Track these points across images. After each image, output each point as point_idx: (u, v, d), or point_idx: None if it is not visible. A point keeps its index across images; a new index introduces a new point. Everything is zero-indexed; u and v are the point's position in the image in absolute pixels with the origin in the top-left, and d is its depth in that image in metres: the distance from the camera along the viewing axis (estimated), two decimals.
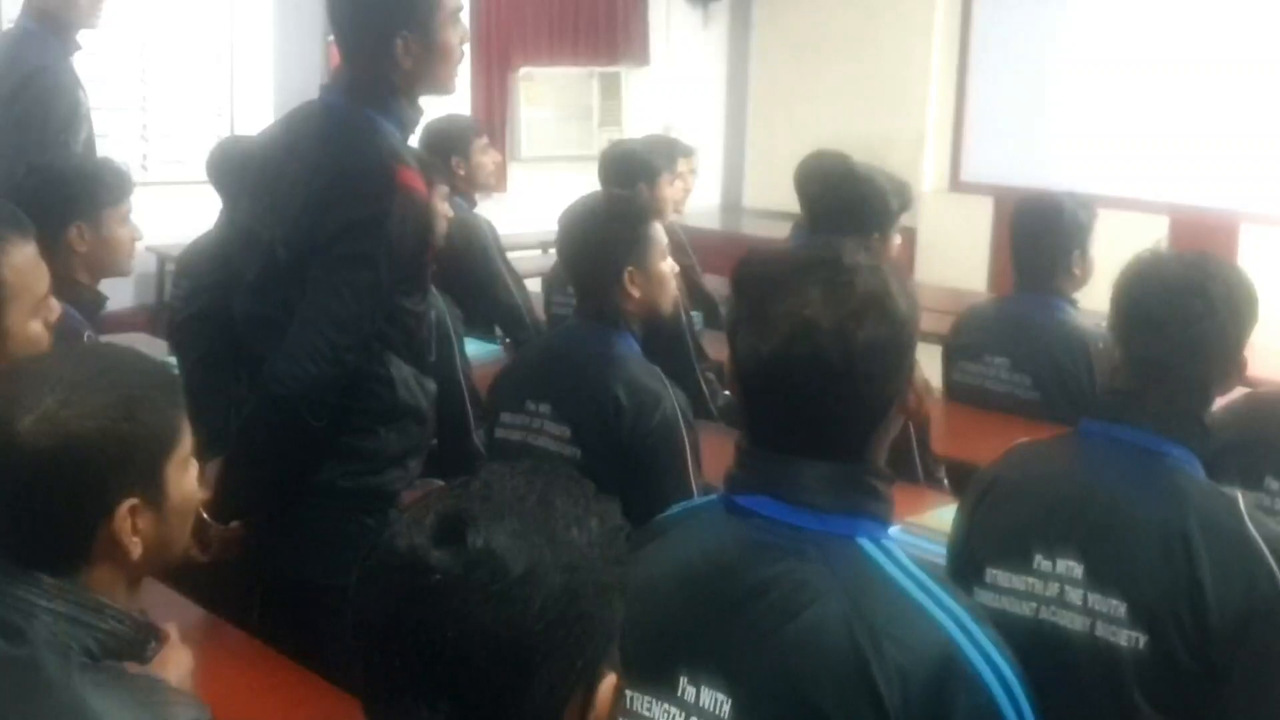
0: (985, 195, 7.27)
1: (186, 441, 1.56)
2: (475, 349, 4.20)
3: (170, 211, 5.17)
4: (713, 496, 1.57)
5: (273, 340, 2.36)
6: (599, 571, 1.13)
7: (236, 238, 2.54)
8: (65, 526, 1.46)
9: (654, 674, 1.48)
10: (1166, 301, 1.95)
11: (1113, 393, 2.02)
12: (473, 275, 4.63)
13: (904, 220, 7.23)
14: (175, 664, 1.89)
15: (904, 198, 3.33)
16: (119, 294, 4.39)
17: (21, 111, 3.95)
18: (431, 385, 2.56)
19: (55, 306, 2.03)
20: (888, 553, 1.46)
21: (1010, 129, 7.27)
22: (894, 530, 2.71)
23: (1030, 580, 1.93)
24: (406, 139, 2.48)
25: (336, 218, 2.32)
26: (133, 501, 1.48)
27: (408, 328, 2.47)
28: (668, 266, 2.83)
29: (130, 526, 1.48)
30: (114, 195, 3.06)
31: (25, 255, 1.89)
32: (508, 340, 4.59)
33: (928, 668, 1.35)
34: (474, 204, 4.91)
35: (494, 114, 7.18)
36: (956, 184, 7.62)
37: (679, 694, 1.46)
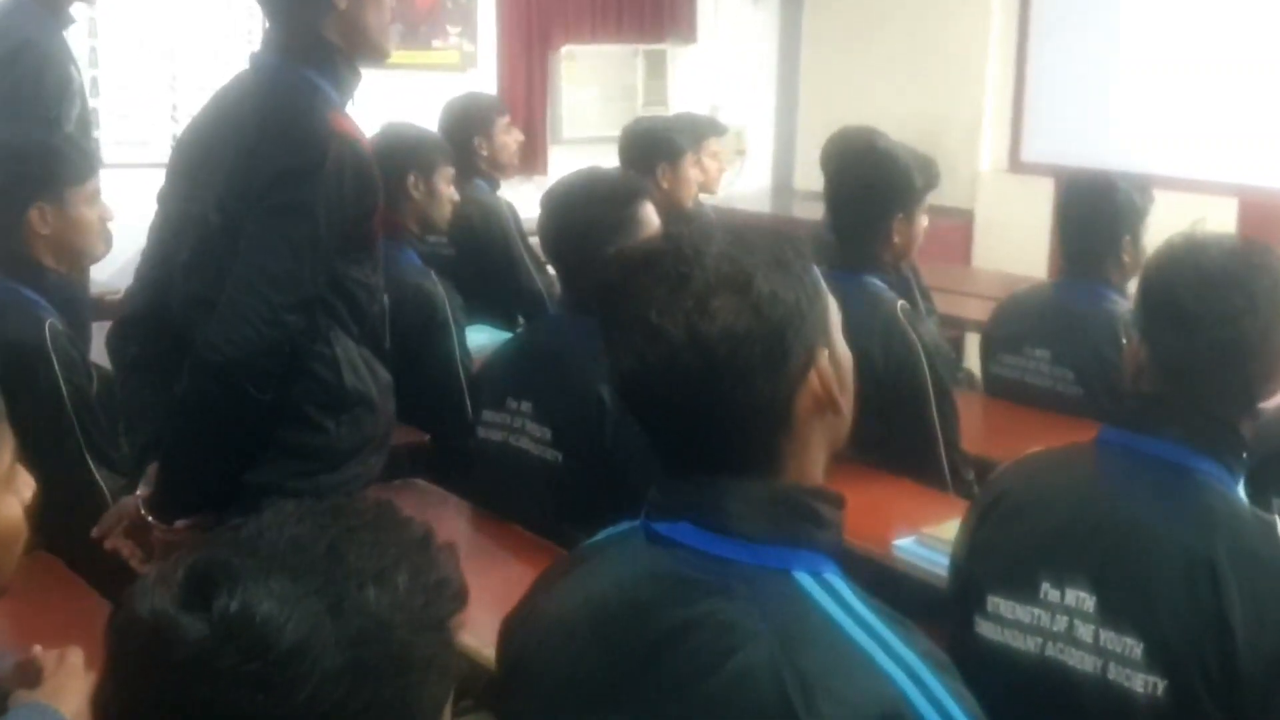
0: (1046, 176, 6.93)
1: (3, 461, 1.33)
2: (490, 337, 4.00)
3: None
4: (636, 522, 1.34)
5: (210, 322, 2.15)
6: (403, 644, 0.89)
7: (170, 224, 2.33)
8: None
9: None
10: (1200, 295, 1.68)
11: (1135, 397, 1.75)
12: (492, 259, 4.45)
13: (961, 203, 7.06)
14: (73, 692, 1.69)
15: (929, 174, 3.06)
16: (127, 278, 4.23)
17: (10, 85, 3.79)
18: (384, 373, 2.34)
19: None
20: (830, 590, 1.21)
21: (1073, 106, 6.91)
22: (907, 543, 2.51)
23: (1036, 612, 1.67)
24: (345, 103, 2.26)
25: (268, 167, 2.11)
26: None
27: (356, 300, 2.25)
28: None
29: None
30: (78, 173, 2.88)
31: None
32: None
33: None
34: (497, 186, 4.72)
35: (534, 95, 6.96)
36: (1016, 165, 7.27)
37: None
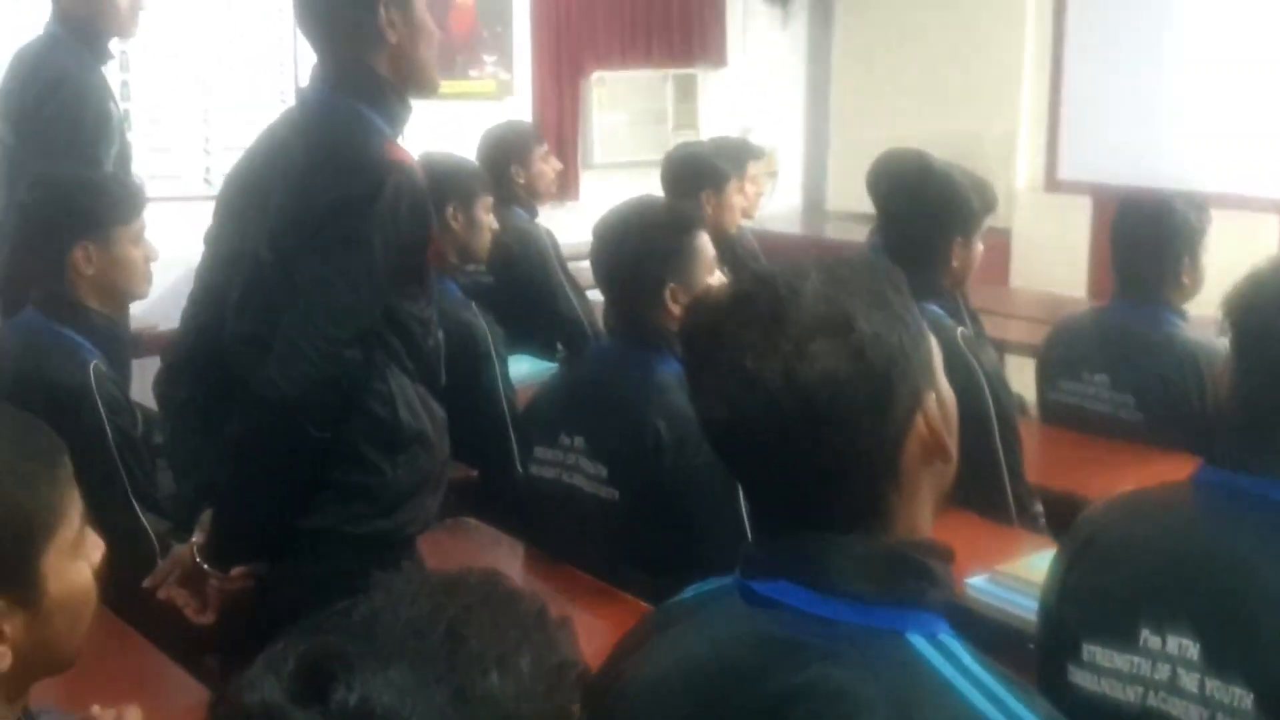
0: (1084, 194, 6.85)
1: (72, 525, 1.27)
2: (531, 367, 3.94)
3: None
4: (727, 580, 1.27)
5: (264, 361, 2.10)
6: None
7: (219, 264, 2.28)
8: None
9: None
10: None
11: (1233, 433, 1.67)
12: (532, 287, 4.41)
13: (997, 222, 6.98)
14: None
15: (987, 197, 3.00)
16: (169, 313, 4.18)
17: (47, 121, 3.74)
18: (439, 409, 2.28)
19: None
20: (946, 651, 1.14)
21: (1110, 122, 6.82)
22: (980, 581, 2.43)
23: (1136, 660, 1.59)
24: (397, 136, 2.21)
25: (322, 199, 2.05)
26: None
27: (411, 335, 2.19)
28: (715, 281, 2.53)
29: None
30: (124, 212, 2.82)
31: None
32: (568, 356, 4.32)
33: None
34: (535, 214, 4.67)
35: (565, 121, 6.94)
36: (1053, 183, 7.19)
37: None
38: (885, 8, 7.57)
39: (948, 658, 1.14)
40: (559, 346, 4.40)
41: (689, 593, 1.33)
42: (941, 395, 1.22)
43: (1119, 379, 3.30)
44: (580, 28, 6.93)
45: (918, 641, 1.14)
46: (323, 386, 2.06)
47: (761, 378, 1.14)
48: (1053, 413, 3.47)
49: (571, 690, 0.86)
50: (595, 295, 4.47)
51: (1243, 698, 1.50)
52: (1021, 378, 3.95)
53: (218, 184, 6.83)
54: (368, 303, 2.09)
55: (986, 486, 2.83)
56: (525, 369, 3.86)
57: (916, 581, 1.17)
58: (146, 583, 2.21)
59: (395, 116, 2.20)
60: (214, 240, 2.30)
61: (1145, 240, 3.29)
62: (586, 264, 4.58)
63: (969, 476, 2.85)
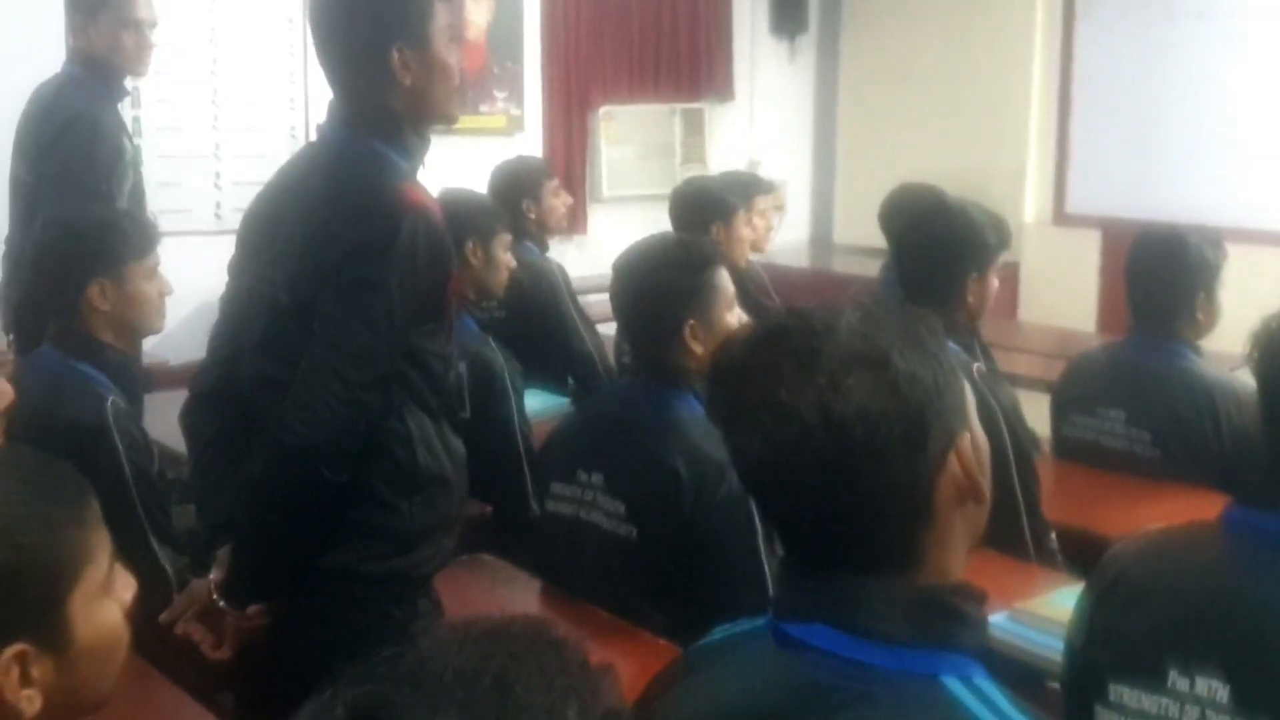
0: (1092, 228, 6.85)
1: (101, 566, 1.27)
2: (543, 402, 3.94)
3: None
4: (759, 621, 1.26)
5: (282, 403, 2.09)
6: None
7: (239, 302, 2.28)
8: None
9: None
10: None
11: (1262, 472, 1.67)
12: (543, 322, 4.41)
13: (1005, 256, 6.99)
14: None
15: (1003, 233, 3.00)
16: (180, 348, 4.18)
17: (63, 158, 3.78)
18: (459, 446, 2.27)
19: (5, 390, 1.76)
20: (980, 695, 1.13)
21: (1118, 156, 6.84)
22: (1000, 619, 2.41)
23: (1164, 701, 1.58)
24: (415, 172, 2.21)
25: (340, 243, 2.05)
26: (19, 648, 1.19)
27: (432, 371, 2.18)
28: (734, 318, 2.52)
29: (18, 678, 1.20)
30: (138, 248, 2.83)
31: None
32: (580, 390, 4.32)
33: None
34: (545, 248, 4.68)
35: (574, 154, 6.96)
36: (1061, 217, 7.19)
37: None
38: (892, 41, 7.61)
39: (983, 701, 1.13)
40: (569, 381, 4.40)
41: (718, 634, 1.32)
42: (975, 437, 1.22)
43: (1135, 415, 3.29)
44: (589, 62, 6.96)
45: (952, 684, 1.14)
46: (341, 431, 2.05)
47: (796, 410, 1.13)
48: (1068, 448, 3.45)
49: None
50: (606, 330, 4.49)
51: None
52: (1030, 412, 3.94)
53: (228, 219, 6.88)
54: (386, 346, 2.09)
55: (1003, 523, 2.80)
56: (538, 404, 3.86)
57: (949, 624, 1.17)
58: (163, 618, 2.21)
59: (412, 151, 2.20)
60: (234, 271, 2.30)
61: (1160, 275, 3.29)
62: (596, 298, 4.64)
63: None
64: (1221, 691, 1.54)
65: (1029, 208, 7.24)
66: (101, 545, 1.27)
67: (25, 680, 1.20)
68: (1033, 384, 4.41)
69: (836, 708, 1.13)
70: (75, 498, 1.26)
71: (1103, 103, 6.91)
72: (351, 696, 0.80)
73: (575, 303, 4.55)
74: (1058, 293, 6.85)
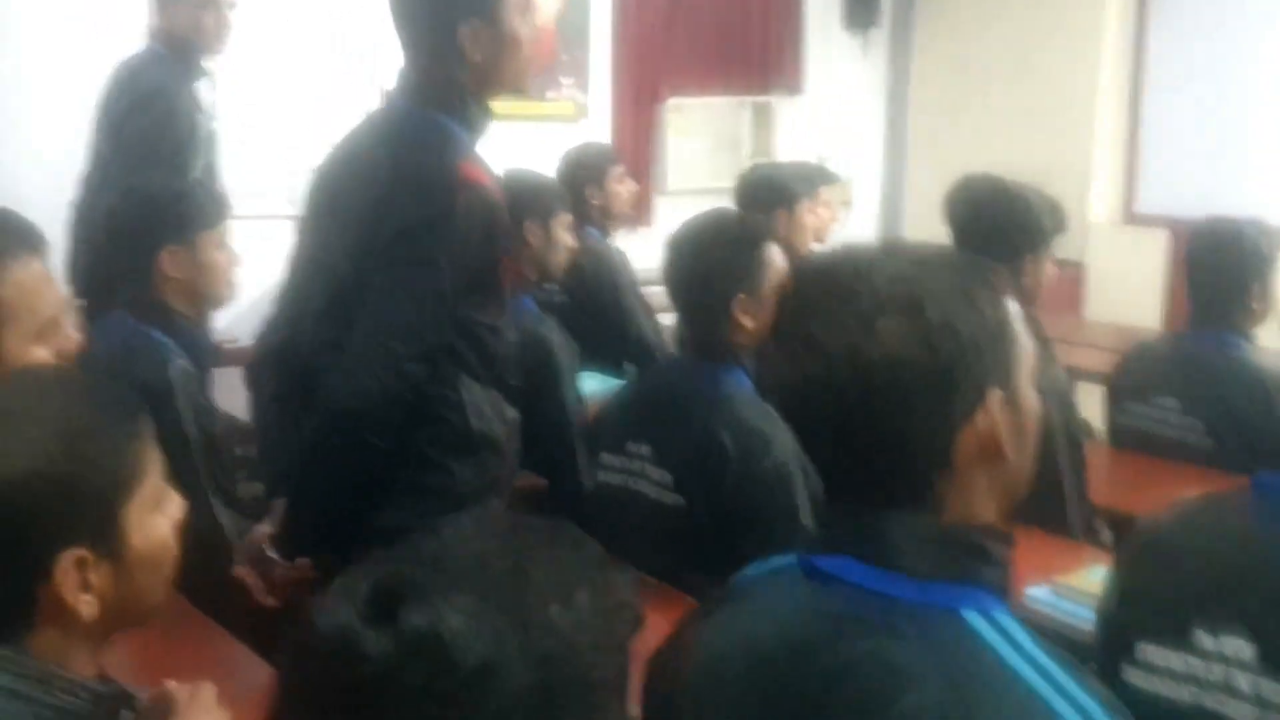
0: (1161, 227, 6.80)
1: (153, 480, 1.34)
2: (599, 384, 3.99)
3: None
4: (790, 557, 1.30)
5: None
6: (587, 664, 0.87)
7: (303, 264, 2.36)
8: None
9: None
10: None
11: None
12: (603, 307, 4.45)
13: (1072, 254, 6.95)
14: None
15: (1058, 218, 3.02)
16: (252, 328, 4.30)
17: (138, 132, 3.90)
18: (512, 412, 2.34)
19: (72, 335, 1.85)
20: (1002, 630, 1.17)
21: (1190, 156, 6.78)
22: (1041, 592, 2.44)
23: (1190, 659, 1.60)
24: (475, 143, 2.27)
25: (394, 220, 2.13)
26: (79, 554, 1.27)
27: (483, 343, 2.25)
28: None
29: (78, 583, 1.27)
30: (208, 217, 2.92)
31: (30, 272, 1.72)
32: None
33: None
34: (609, 234, 4.73)
35: (640, 146, 7.00)
36: (1130, 216, 7.15)
37: None
38: (965, 37, 7.59)
39: (1003, 635, 1.16)
40: (626, 366, 4.45)
41: (752, 570, 1.37)
42: (1018, 399, 1.23)
43: (1188, 404, 3.30)
44: (658, 54, 6.99)
45: (973, 619, 1.17)
46: (385, 400, 2.13)
47: (825, 347, 1.17)
48: (1122, 436, 3.47)
49: (628, 629, 0.91)
50: (666, 319, 4.55)
51: None
52: (1090, 404, 3.95)
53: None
54: (432, 320, 2.16)
55: (1049, 505, 2.83)
56: (595, 386, 3.91)
57: (972, 561, 1.20)
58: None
59: (475, 123, 2.26)
60: (302, 232, 2.38)
61: (1215, 266, 3.30)
62: (659, 288, 4.67)
63: (1033, 494, 2.87)
64: (1246, 650, 1.56)
65: (1097, 207, 7.19)
66: (154, 461, 1.34)
67: (84, 585, 1.27)
68: (1094, 377, 4.41)
69: (860, 637, 1.16)
70: (130, 414, 1.34)
71: (1174, 101, 6.85)
72: (376, 575, 0.86)
73: (636, 289, 4.59)
74: (1124, 292, 6.80)
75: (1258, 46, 6.51)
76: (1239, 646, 1.56)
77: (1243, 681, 1.55)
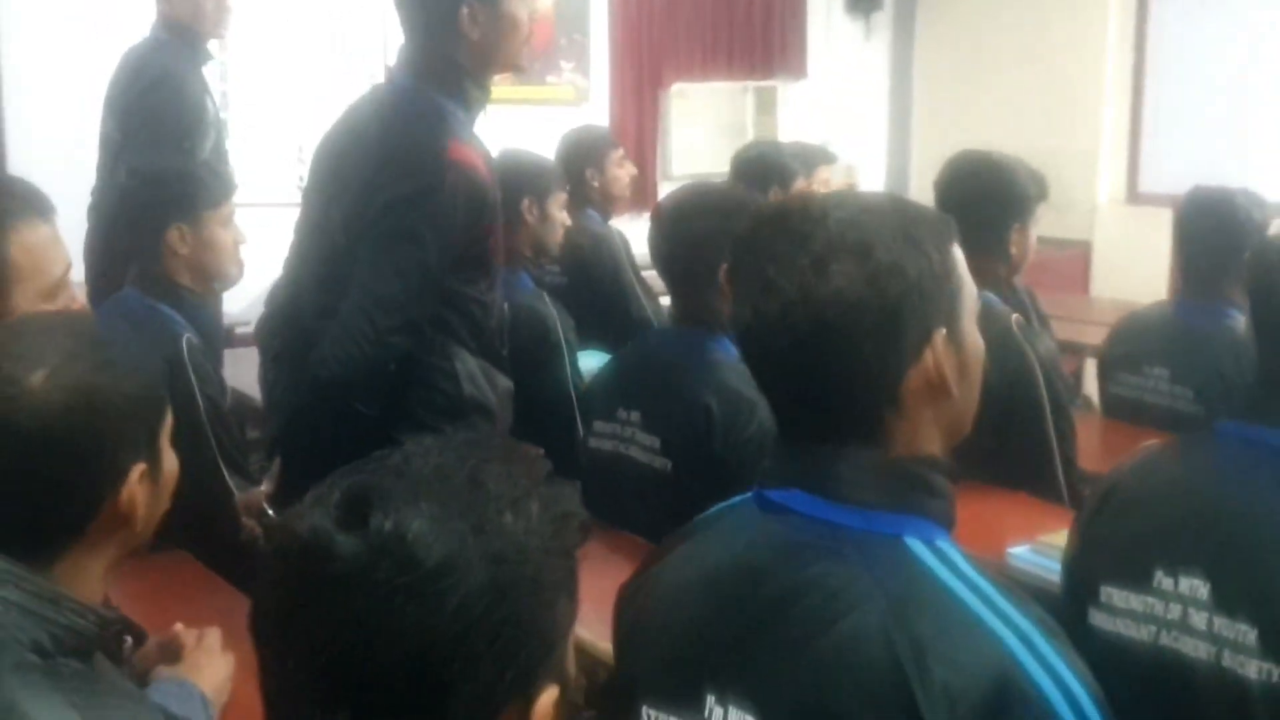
0: (1165, 207, 6.81)
1: (170, 414, 1.44)
2: (599, 360, 4.04)
3: None
4: (748, 494, 1.37)
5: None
6: (537, 565, 0.95)
7: (306, 231, 2.44)
8: (73, 495, 1.35)
9: (679, 693, 1.29)
10: None
11: (1253, 388, 1.74)
12: (603, 288, 4.49)
13: (1079, 234, 6.97)
14: (211, 670, 1.78)
15: (1041, 186, 3.06)
16: (257, 312, 4.38)
17: (147, 116, 3.99)
18: (505, 381, 2.41)
19: (74, 296, 1.94)
20: (941, 555, 1.23)
21: (1192, 136, 6.82)
22: (1022, 550, 2.49)
23: (1149, 600, 1.66)
24: (472, 122, 2.35)
25: (383, 195, 2.21)
26: (143, 468, 1.37)
27: (472, 316, 2.33)
28: None
29: (139, 495, 1.37)
30: (213, 196, 3.00)
31: (39, 235, 1.80)
32: None
33: (981, 690, 1.12)
34: (608, 217, 4.77)
35: (644, 132, 7.05)
36: (1134, 196, 7.19)
37: (705, 715, 1.26)
38: (967, 20, 7.63)
39: (943, 561, 1.23)
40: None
41: (713, 510, 1.43)
42: (963, 340, 1.29)
43: (1178, 373, 3.34)
44: (660, 39, 7.04)
45: (915, 545, 1.23)
46: (370, 370, 2.22)
47: (779, 287, 1.23)
48: (1113, 406, 3.52)
49: (575, 535, 0.99)
50: (667, 300, 4.60)
51: (1247, 634, 1.57)
52: (1093, 379, 4.00)
53: None
54: (417, 294, 2.24)
55: (1039, 472, 2.88)
56: (594, 363, 3.96)
57: (916, 492, 1.26)
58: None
59: (472, 102, 2.34)
60: (305, 201, 2.46)
61: (1206, 235, 3.34)
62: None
63: (1021, 459, 2.92)
64: (1202, 590, 1.61)
65: (1103, 187, 7.24)
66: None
67: (141, 497, 1.38)
68: (1094, 351, 4.45)
69: (808, 562, 1.23)
70: (154, 353, 1.44)
71: (1177, 83, 6.89)
72: (346, 484, 0.94)
73: (637, 271, 4.63)
74: (1129, 271, 6.83)
75: (1256, 29, 6.54)
76: (1195, 586, 1.62)
77: (1198, 620, 1.61)
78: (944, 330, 1.27)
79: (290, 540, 0.94)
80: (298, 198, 6.20)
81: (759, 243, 1.27)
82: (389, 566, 0.90)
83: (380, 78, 6.39)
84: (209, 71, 4.42)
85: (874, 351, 1.23)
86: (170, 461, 1.44)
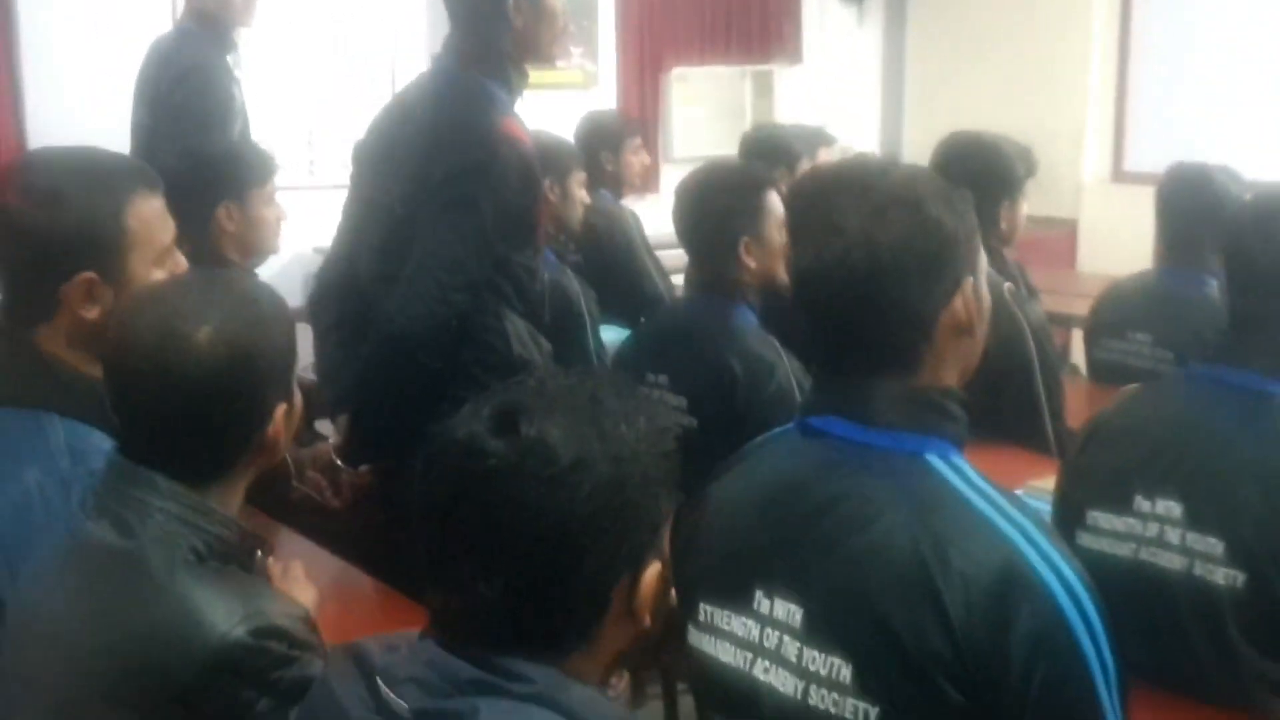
0: (1150, 185, 7.01)
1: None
2: (616, 335, 4.25)
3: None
4: (790, 424, 1.60)
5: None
6: (645, 465, 1.21)
7: (360, 207, 2.66)
8: (232, 433, 1.57)
9: (732, 590, 1.52)
10: (1266, 249, 1.92)
11: (1221, 334, 1.98)
12: (617, 266, 4.67)
13: (1065, 212, 7.19)
14: (301, 597, 1.99)
15: (1029, 163, 3.28)
16: (286, 292, 4.57)
17: (177, 105, 4.16)
18: (546, 344, 2.64)
19: (181, 261, 2.12)
20: (955, 469, 1.46)
21: (1175, 116, 7.04)
22: (1018, 493, 2.71)
23: (1130, 521, 1.91)
24: (513, 103, 2.57)
25: (441, 166, 2.43)
26: (284, 405, 1.60)
27: (519, 280, 2.56)
28: (784, 236, 2.84)
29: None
30: (259, 175, 3.19)
31: (151, 206, 1.97)
32: None
33: (990, 574, 1.35)
34: (619, 197, 4.95)
35: (647, 114, 7.23)
36: (1119, 174, 7.42)
37: (755, 607, 1.49)
38: (957, 7, 7.83)
39: (957, 472, 1.46)
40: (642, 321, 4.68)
41: (759, 439, 1.66)
42: (978, 287, 1.52)
43: (1160, 337, 3.56)
44: (661, 24, 7.23)
45: (934, 461, 1.46)
46: (434, 325, 2.44)
47: (844, 230, 1.44)
48: (1099, 370, 3.73)
49: (670, 442, 1.23)
50: (678, 281, 4.81)
51: (1215, 546, 1.82)
52: (1080, 349, 4.21)
53: (320, 175, 7.13)
54: (475, 256, 2.46)
55: (1029, 428, 3.11)
56: (612, 337, 4.17)
57: (934, 416, 1.49)
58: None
59: (514, 85, 2.57)
60: (355, 183, 2.68)
61: (1186, 208, 3.55)
62: (666, 254, 4.88)
63: (1013, 416, 3.14)
64: (1176, 510, 1.86)
65: (1089, 166, 7.45)
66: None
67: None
68: (1081, 323, 4.66)
69: (844, 476, 1.47)
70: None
71: (1161, 63, 7.10)
72: (496, 400, 1.17)
73: (648, 248, 4.83)
74: (1116, 248, 7.01)
75: (1238, 11, 6.75)
76: (1170, 507, 1.86)
77: (1173, 536, 1.85)
78: (971, 279, 1.50)
79: (450, 445, 1.18)
80: (307, 181, 6.37)
81: (822, 195, 1.49)
82: (534, 463, 1.16)
83: (387, 66, 6.62)
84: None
85: (918, 292, 1.45)
86: (298, 397, 1.67)
